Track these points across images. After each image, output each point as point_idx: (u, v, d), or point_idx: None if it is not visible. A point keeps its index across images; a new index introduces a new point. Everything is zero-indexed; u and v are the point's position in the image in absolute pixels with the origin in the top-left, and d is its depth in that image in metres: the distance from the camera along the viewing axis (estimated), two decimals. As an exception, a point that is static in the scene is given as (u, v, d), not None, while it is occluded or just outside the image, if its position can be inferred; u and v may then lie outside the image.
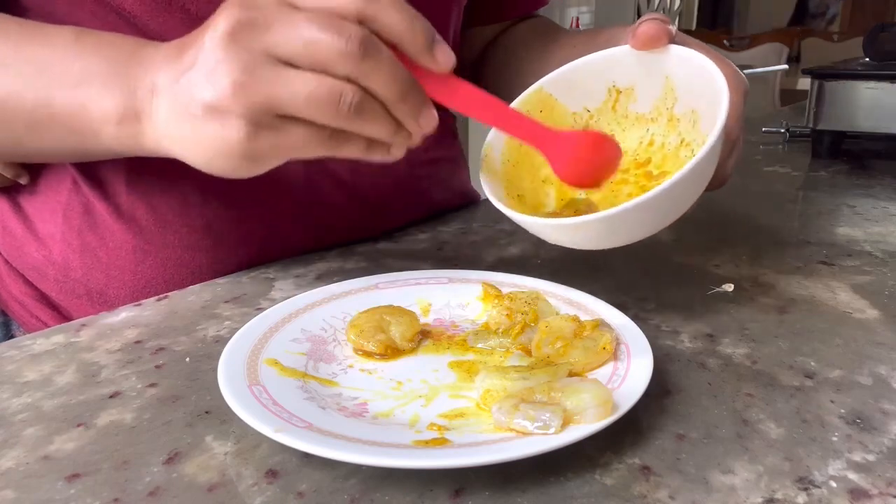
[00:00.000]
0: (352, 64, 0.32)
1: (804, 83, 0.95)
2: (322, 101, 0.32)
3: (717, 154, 0.38)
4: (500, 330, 0.39)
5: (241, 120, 0.33)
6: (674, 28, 0.44)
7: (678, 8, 4.08)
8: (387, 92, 0.33)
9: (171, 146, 0.37)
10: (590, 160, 0.41)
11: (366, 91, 0.33)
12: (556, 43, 0.64)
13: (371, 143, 0.35)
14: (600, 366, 0.34)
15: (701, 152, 0.36)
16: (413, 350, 0.39)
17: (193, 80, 0.34)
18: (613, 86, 0.47)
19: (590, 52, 0.54)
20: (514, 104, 0.47)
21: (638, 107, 0.47)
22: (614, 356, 0.35)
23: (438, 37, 0.34)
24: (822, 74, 0.90)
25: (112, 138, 0.39)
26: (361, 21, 0.32)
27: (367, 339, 0.38)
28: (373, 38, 0.32)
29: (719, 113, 0.38)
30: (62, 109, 0.39)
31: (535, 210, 0.47)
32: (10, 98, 0.40)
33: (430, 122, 0.35)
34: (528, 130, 0.39)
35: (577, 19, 3.44)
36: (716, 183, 0.44)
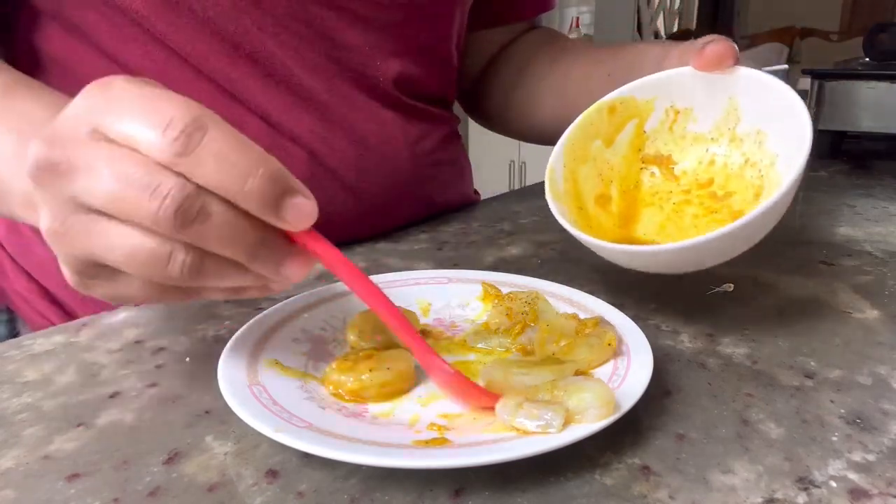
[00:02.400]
0: (172, 229, 0.26)
1: (804, 83, 0.95)
2: (146, 262, 0.27)
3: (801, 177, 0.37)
4: (500, 330, 0.39)
5: (66, 266, 0.29)
6: (736, 47, 0.44)
7: (678, 8, 4.08)
8: (229, 254, 0.27)
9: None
10: (455, 394, 0.33)
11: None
12: (575, 59, 0.64)
13: (233, 288, 0.30)
14: (605, 362, 0.35)
15: (794, 172, 0.36)
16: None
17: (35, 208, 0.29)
18: (672, 106, 0.47)
19: (616, 70, 0.55)
20: (578, 119, 0.47)
21: (697, 127, 0.47)
22: (615, 354, 0.35)
23: (292, 184, 0.27)
24: (822, 74, 0.90)
25: (25, 219, 0.38)
26: (180, 174, 0.26)
27: (368, 340, 0.38)
28: (195, 196, 0.26)
29: (805, 134, 0.37)
30: None
31: (599, 218, 0.47)
32: None
33: (297, 271, 0.29)
34: (405, 335, 0.33)
35: (578, 19, 3.43)
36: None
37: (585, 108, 0.48)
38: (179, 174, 0.25)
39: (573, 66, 0.63)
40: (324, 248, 0.30)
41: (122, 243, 0.27)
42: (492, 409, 0.31)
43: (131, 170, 0.26)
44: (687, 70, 0.45)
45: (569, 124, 0.47)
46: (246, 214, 0.27)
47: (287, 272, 0.29)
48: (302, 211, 0.27)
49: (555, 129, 0.68)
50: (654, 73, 0.48)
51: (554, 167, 0.46)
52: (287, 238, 0.29)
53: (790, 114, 0.39)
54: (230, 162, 0.26)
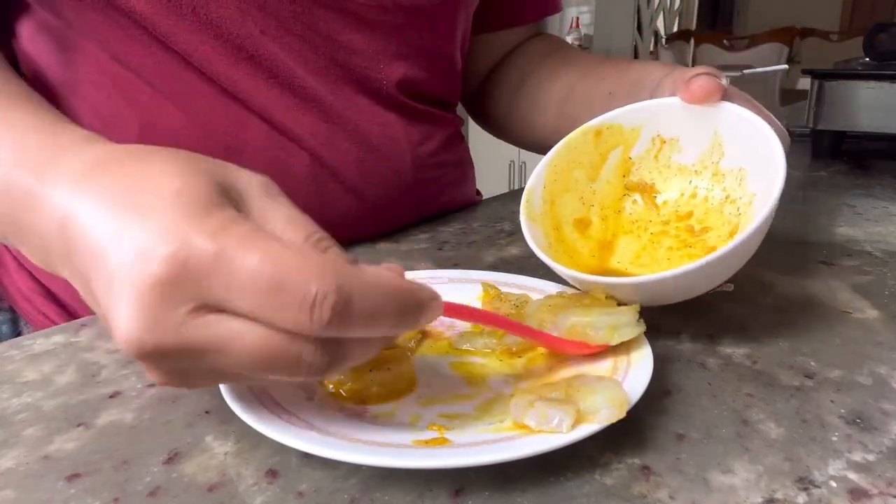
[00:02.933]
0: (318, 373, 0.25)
1: (804, 83, 0.95)
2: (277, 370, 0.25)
3: (771, 218, 0.38)
4: (486, 331, 0.39)
5: (150, 372, 0.26)
6: (726, 81, 0.44)
7: (678, 8, 4.09)
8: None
9: None
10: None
11: None
12: (580, 72, 0.63)
13: None
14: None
15: (764, 211, 0.36)
16: (413, 350, 0.39)
17: (107, 317, 0.26)
18: (658, 135, 0.47)
19: (618, 90, 0.55)
20: (563, 142, 0.47)
21: (682, 158, 0.47)
22: (615, 352, 0.35)
23: (423, 296, 0.27)
24: (822, 74, 0.90)
25: (36, 251, 0.33)
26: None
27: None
28: (338, 347, 0.25)
29: (778, 173, 0.38)
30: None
31: (575, 244, 0.47)
32: None
33: (430, 318, 0.28)
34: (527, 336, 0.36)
35: (577, 19, 3.44)
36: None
37: (586, 121, 0.48)
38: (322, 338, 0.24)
39: (578, 80, 0.63)
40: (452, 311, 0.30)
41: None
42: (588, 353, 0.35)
43: (267, 351, 0.24)
44: (675, 100, 0.45)
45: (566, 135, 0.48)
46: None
47: (421, 324, 0.28)
48: (434, 313, 0.27)
49: (552, 138, 0.68)
50: (650, 96, 0.49)
51: (533, 188, 0.46)
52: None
53: (768, 154, 0.40)
54: (380, 314, 0.25)
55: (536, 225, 0.45)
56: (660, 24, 3.56)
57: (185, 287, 0.23)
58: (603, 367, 0.34)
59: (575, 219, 0.48)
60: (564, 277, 0.40)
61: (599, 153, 0.48)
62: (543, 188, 0.46)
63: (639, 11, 3.09)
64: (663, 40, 3.78)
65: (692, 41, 4.02)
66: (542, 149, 0.71)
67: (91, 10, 0.47)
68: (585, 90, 0.61)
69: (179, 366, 0.25)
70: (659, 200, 0.48)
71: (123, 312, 0.24)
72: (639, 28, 3.12)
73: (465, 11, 0.63)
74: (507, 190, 0.87)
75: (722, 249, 0.35)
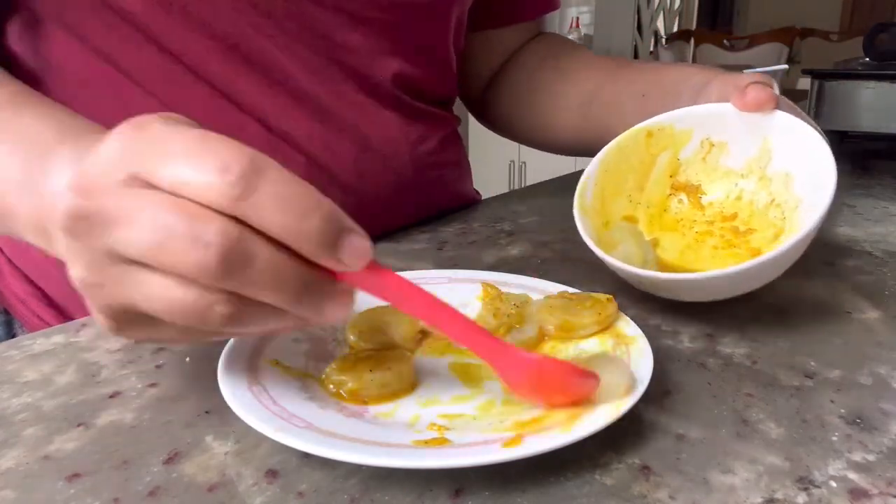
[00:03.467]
0: (213, 278, 0.24)
1: (804, 83, 0.95)
2: (185, 313, 0.26)
3: (821, 223, 0.39)
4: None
5: (100, 314, 0.28)
6: (777, 90, 0.45)
7: (678, 8, 4.08)
8: (271, 301, 0.26)
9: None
10: (548, 387, 0.31)
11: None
12: (602, 77, 0.63)
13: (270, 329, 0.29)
14: (610, 317, 0.38)
15: (812, 222, 0.38)
16: (412, 350, 0.39)
17: (59, 251, 0.29)
18: (707, 138, 0.49)
19: (651, 92, 0.56)
20: (614, 142, 0.49)
21: (730, 161, 0.48)
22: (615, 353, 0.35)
23: (348, 224, 0.26)
24: (822, 74, 0.90)
25: (34, 241, 0.37)
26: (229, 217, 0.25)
27: (368, 340, 0.38)
28: (240, 244, 0.24)
29: (829, 179, 0.39)
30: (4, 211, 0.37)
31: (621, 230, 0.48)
32: None
33: (340, 312, 0.27)
34: (475, 340, 0.31)
35: (577, 19, 3.43)
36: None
37: (616, 128, 0.49)
38: (225, 218, 0.24)
39: (604, 82, 0.63)
40: (378, 277, 0.28)
41: (160, 295, 0.26)
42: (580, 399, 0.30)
43: (172, 218, 0.24)
44: (727, 106, 0.46)
45: (594, 141, 0.49)
46: (292, 258, 0.26)
47: (329, 313, 0.27)
48: (358, 250, 0.26)
49: (576, 144, 0.67)
50: (692, 100, 0.50)
51: (586, 182, 0.47)
52: (330, 276, 0.27)
53: (820, 164, 0.41)
54: (289, 204, 0.25)
55: (588, 219, 0.46)
56: (660, 24, 3.56)
57: (124, 158, 0.26)
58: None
59: (623, 216, 0.50)
60: (617, 271, 0.42)
61: (650, 153, 0.50)
62: (595, 185, 0.48)
63: (639, 11, 3.09)
64: (663, 40, 3.78)
65: (692, 41, 4.02)
66: (562, 149, 0.71)
67: (84, 10, 0.47)
68: (614, 92, 0.61)
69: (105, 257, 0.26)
70: (704, 201, 0.49)
71: (74, 181, 0.26)
72: (639, 28, 3.11)
73: (459, 8, 0.63)
74: (507, 190, 0.87)
75: (779, 248, 0.37)
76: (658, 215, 0.50)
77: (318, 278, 0.27)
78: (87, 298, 0.28)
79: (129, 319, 0.28)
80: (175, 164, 0.25)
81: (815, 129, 0.44)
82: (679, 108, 0.49)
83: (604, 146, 0.49)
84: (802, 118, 0.45)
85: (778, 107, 0.45)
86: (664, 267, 0.46)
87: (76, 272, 0.28)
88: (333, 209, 0.26)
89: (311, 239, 0.25)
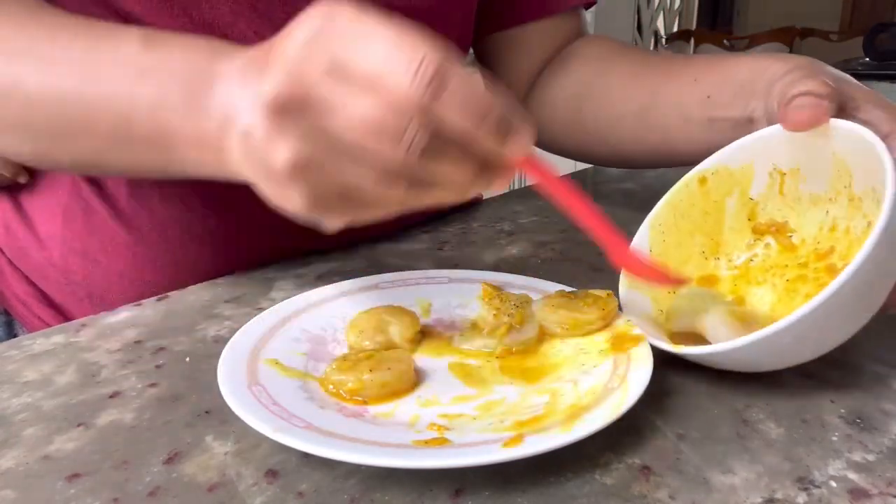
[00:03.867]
0: (414, 168, 0.28)
1: (804, 83, 0.94)
2: (389, 177, 0.29)
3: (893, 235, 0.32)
4: (486, 331, 0.39)
5: (302, 198, 0.30)
6: (829, 101, 0.38)
7: (678, 8, 4.08)
8: (457, 178, 0.30)
9: (250, 182, 0.34)
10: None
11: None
12: (662, 74, 0.56)
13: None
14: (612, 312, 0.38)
15: (876, 230, 0.31)
16: (413, 350, 0.39)
17: (254, 142, 0.30)
18: (775, 168, 0.42)
19: (717, 93, 0.48)
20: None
21: (810, 187, 0.41)
22: (615, 352, 0.35)
23: (515, 123, 0.29)
24: (822, 74, 0.90)
25: (195, 162, 0.37)
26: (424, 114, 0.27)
27: (367, 340, 0.38)
28: (436, 137, 0.28)
29: (888, 190, 0.32)
30: (142, 132, 0.37)
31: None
32: (90, 115, 0.38)
33: (504, 184, 0.31)
34: (603, 231, 0.33)
35: (577, 19, 3.42)
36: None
37: (678, 131, 0.43)
38: (420, 114, 0.27)
39: (662, 83, 0.55)
40: (533, 168, 0.32)
41: (367, 172, 0.28)
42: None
43: (378, 113, 0.27)
44: (778, 128, 0.40)
45: (653, 148, 0.42)
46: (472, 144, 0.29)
47: (496, 186, 0.31)
48: (520, 147, 0.30)
49: (633, 151, 0.59)
50: (765, 98, 0.43)
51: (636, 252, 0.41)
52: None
53: (881, 167, 0.34)
54: (470, 107, 0.28)
55: (643, 294, 0.40)
56: (660, 24, 3.55)
57: (322, 46, 0.28)
58: (603, 368, 0.34)
59: (699, 276, 0.43)
60: (669, 350, 0.35)
61: (712, 201, 0.43)
62: (650, 249, 0.42)
63: (639, 11, 3.09)
64: (663, 40, 3.78)
65: (692, 41, 4.02)
66: (619, 163, 0.65)
67: (81, 8, 0.47)
68: (675, 94, 0.53)
69: (308, 131, 0.28)
70: (795, 239, 0.42)
71: (276, 69, 0.29)
72: (639, 28, 3.11)
73: (462, 10, 0.62)
74: (507, 190, 0.87)
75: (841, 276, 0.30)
76: (743, 268, 0.43)
77: (491, 160, 0.30)
78: (292, 183, 0.29)
79: (329, 201, 0.30)
80: (373, 56, 0.27)
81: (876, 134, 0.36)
82: (752, 109, 0.43)
83: (668, 152, 0.42)
84: (887, 109, 0.38)
85: (843, 105, 0.38)
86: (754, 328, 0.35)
87: (283, 156, 0.29)
88: (503, 112, 0.29)
89: (486, 139, 0.29)
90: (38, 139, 0.41)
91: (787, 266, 0.42)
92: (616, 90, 0.60)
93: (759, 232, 0.43)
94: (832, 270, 0.39)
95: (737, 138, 0.42)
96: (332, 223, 0.32)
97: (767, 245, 0.43)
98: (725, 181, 0.43)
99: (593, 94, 0.61)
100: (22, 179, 0.53)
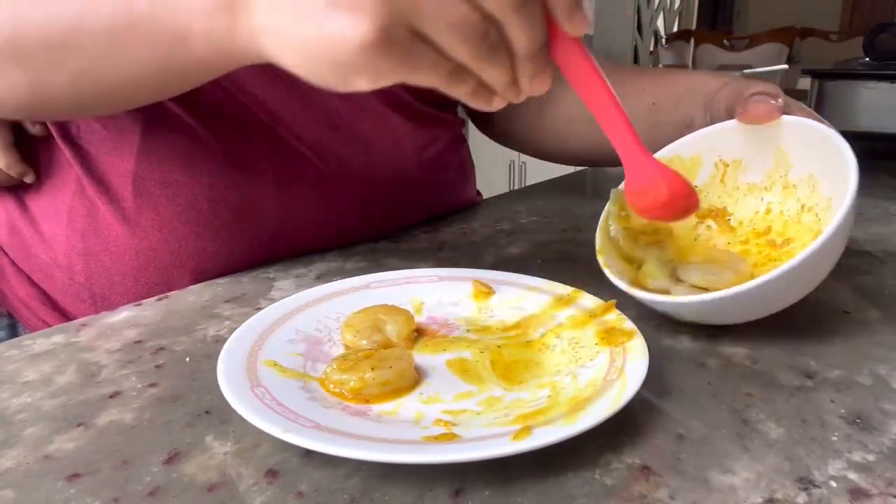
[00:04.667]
0: (506, 7, 0.29)
1: (804, 83, 0.95)
2: (466, 33, 0.29)
3: (852, 215, 0.37)
4: (484, 330, 0.40)
5: (373, 25, 0.28)
6: (782, 100, 0.44)
7: (678, 8, 4.08)
8: (523, 45, 0.31)
9: (270, 43, 0.33)
10: (661, 199, 0.38)
11: (504, 34, 0.31)
12: (615, 83, 0.61)
13: (481, 87, 0.33)
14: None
15: (842, 209, 0.36)
16: (410, 349, 0.39)
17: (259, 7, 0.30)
18: (720, 159, 0.47)
19: (662, 101, 0.55)
20: (622, 185, 0.46)
21: (749, 177, 0.47)
22: (610, 346, 0.36)
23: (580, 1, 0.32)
24: (822, 74, 0.90)
25: (202, 37, 0.35)
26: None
27: (364, 339, 0.38)
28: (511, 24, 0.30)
29: (850, 174, 0.38)
30: (143, 14, 0.35)
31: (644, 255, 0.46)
32: (84, 15, 0.36)
33: (543, 86, 0.34)
34: (623, 138, 0.37)
35: (577, 19, 3.42)
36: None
37: None
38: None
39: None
40: (581, 57, 0.34)
41: (453, 11, 0.29)
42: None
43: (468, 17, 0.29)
44: (730, 124, 0.45)
45: (602, 147, 0.45)
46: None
47: (538, 83, 0.33)
48: (585, 19, 0.32)
49: (591, 156, 0.66)
50: (704, 110, 0.49)
51: (608, 220, 0.46)
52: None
53: (835, 155, 0.40)
54: None
55: (608, 255, 0.44)
56: (660, 24, 3.55)
57: None
58: (599, 361, 0.34)
59: (649, 245, 0.47)
60: (649, 304, 0.40)
61: None
62: (616, 223, 0.46)
63: (639, 11, 3.08)
64: (663, 40, 3.78)
65: (692, 41, 4.02)
66: (574, 161, 0.70)
67: None
68: (624, 101, 0.59)
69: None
70: (733, 222, 0.48)
71: None
72: (639, 28, 3.11)
73: None
74: (507, 190, 0.87)
75: (805, 251, 0.35)
76: (689, 246, 0.47)
77: (547, 47, 0.32)
78: (374, 4, 0.28)
79: (399, 37, 0.29)
80: None
81: (826, 125, 0.42)
82: (692, 116, 0.48)
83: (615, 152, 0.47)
84: (813, 118, 0.43)
85: (785, 110, 0.44)
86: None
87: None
88: None
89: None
90: (32, 58, 0.39)
91: (729, 244, 0.47)
92: (572, 95, 0.63)
93: (701, 216, 0.48)
94: (774, 245, 0.45)
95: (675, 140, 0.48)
96: (384, 72, 0.31)
97: (709, 227, 0.48)
98: (677, 169, 0.45)
99: (553, 98, 0.66)
100: (28, 179, 0.53)
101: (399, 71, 0.30)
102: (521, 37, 0.31)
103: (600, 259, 0.43)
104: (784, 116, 0.43)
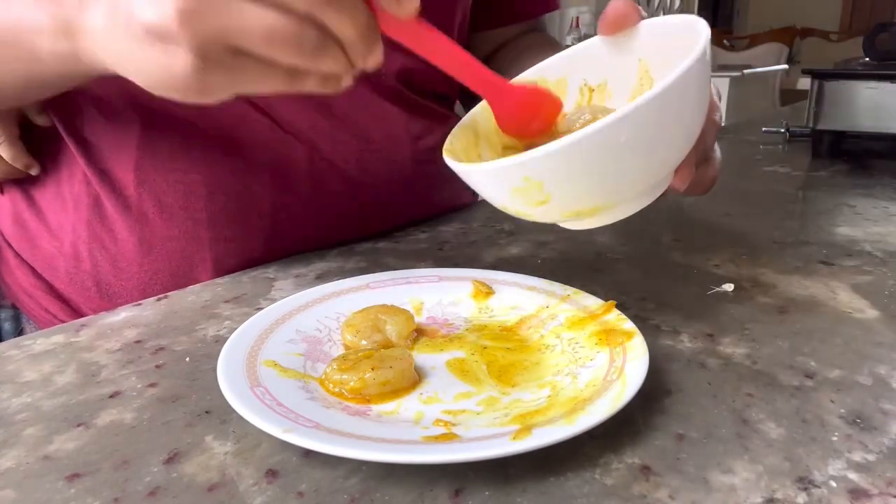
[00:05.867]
0: (318, 4, 0.29)
1: (804, 83, 0.95)
2: (281, 41, 0.29)
3: (707, 74, 0.34)
4: (483, 330, 0.40)
5: (189, 52, 0.29)
6: (644, 13, 0.42)
7: (678, 8, 4.08)
8: (348, 33, 0.31)
9: (112, 65, 0.34)
10: (530, 112, 0.40)
11: (324, 28, 0.30)
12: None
13: (324, 78, 0.33)
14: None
15: (693, 54, 0.32)
16: (409, 348, 0.39)
17: (96, 24, 0.31)
18: (585, 83, 0.44)
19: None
20: (482, 104, 0.43)
21: (613, 102, 0.43)
22: (610, 346, 0.36)
23: None
24: (822, 74, 0.90)
25: (51, 56, 0.36)
26: None
27: (364, 339, 0.38)
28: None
29: (701, 31, 0.34)
30: (3, 31, 0.37)
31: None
32: None
33: (377, 61, 0.33)
34: (483, 80, 0.38)
35: (578, 19, 3.44)
36: (700, 188, 0.42)
37: None
38: None
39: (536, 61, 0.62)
40: (424, 30, 0.34)
41: (261, 22, 0.29)
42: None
43: (278, 24, 0.29)
44: (594, 41, 0.43)
45: None
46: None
47: (372, 59, 0.33)
48: (413, 4, 0.32)
49: None
50: None
51: (453, 142, 0.42)
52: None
53: (694, 35, 0.35)
54: None
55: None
56: (660, 24, 3.56)
57: None
58: (598, 362, 0.34)
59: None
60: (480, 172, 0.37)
61: None
62: (461, 148, 0.43)
63: (639, 11, 3.09)
64: (663, 40, 3.78)
65: (692, 41, 4.02)
66: None
67: None
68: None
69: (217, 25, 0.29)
70: None
71: None
72: (639, 28, 3.11)
73: (463, 4, 0.63)
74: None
75: (648, 93, 0.31)
76: None
77: (374, 22, 0.32)
78: (182, 33, 0.29)
79: (216, 57, 0.29)
80: None
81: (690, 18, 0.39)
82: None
83: None
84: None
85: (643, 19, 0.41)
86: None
87: (172, 3, 0.28)
88: None
89: None
90: None
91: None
92: (514, 70, 0.63)
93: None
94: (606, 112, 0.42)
95: None
96: (217, 89, 0.31)
97: None
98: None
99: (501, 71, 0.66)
100: (34, 171, 0.55)
101: (232, 86, 0.32)
102: (342, 26, 0.30)
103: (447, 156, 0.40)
104: (642, 22, 0.41)
